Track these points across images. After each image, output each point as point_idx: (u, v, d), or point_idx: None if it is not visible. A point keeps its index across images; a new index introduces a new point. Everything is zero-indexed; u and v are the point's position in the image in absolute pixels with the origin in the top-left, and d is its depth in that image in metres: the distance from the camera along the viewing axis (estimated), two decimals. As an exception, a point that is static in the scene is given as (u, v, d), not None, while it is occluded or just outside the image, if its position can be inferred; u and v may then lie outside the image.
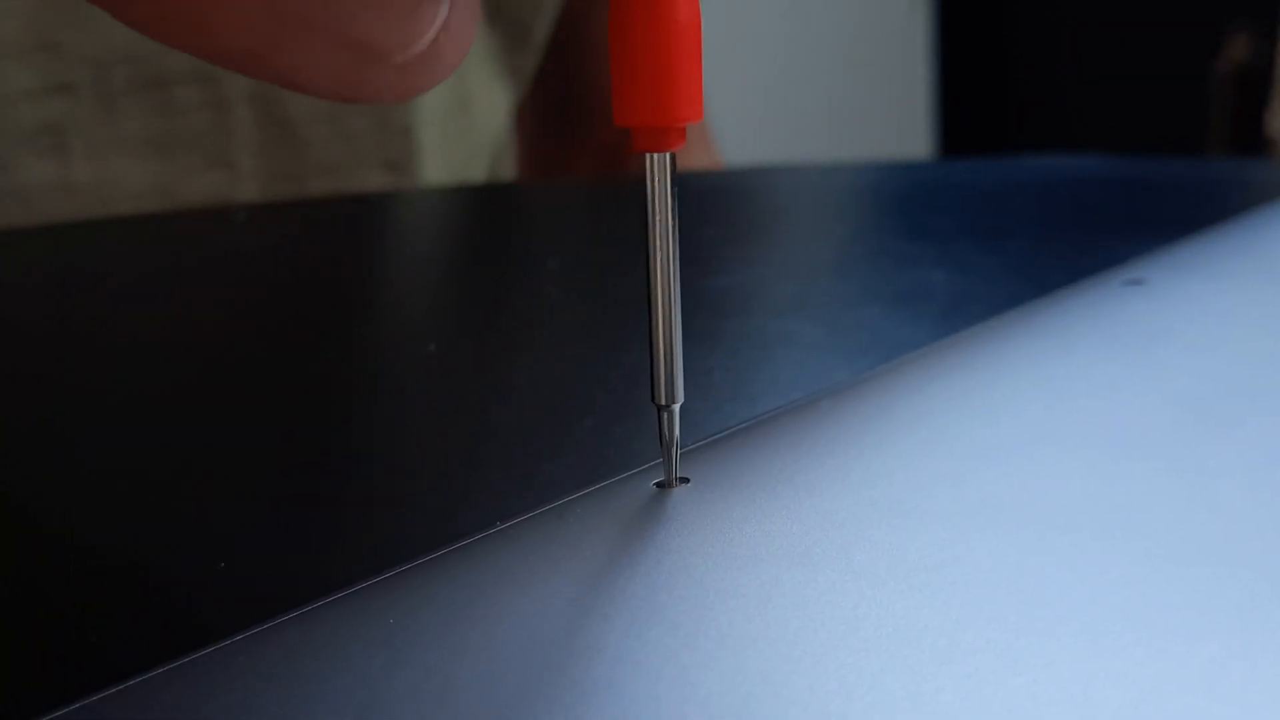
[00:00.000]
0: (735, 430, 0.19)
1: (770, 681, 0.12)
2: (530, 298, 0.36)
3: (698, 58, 0.16)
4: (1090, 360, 0.21)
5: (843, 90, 2.16)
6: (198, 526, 0.22)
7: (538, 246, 0.45)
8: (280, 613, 0.14)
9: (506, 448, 0.25)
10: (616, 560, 0.15)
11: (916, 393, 0.20)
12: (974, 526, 0.15)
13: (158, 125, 0.49)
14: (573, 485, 0.17)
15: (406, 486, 0.23)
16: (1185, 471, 0.16)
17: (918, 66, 2.28)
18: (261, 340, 0.34)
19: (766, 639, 0.13)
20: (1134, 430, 0.18)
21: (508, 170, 0.62)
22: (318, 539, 0.21)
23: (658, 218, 0.16)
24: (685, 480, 0.17)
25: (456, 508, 0.22)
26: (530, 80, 0.60)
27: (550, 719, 0.12)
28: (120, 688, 0.13)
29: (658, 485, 0.17)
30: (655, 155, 0.16)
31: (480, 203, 0.54)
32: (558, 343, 0.32)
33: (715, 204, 0.49)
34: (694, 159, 0.65)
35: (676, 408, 0.17)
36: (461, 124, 0.56)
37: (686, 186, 0.54)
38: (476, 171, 0.58)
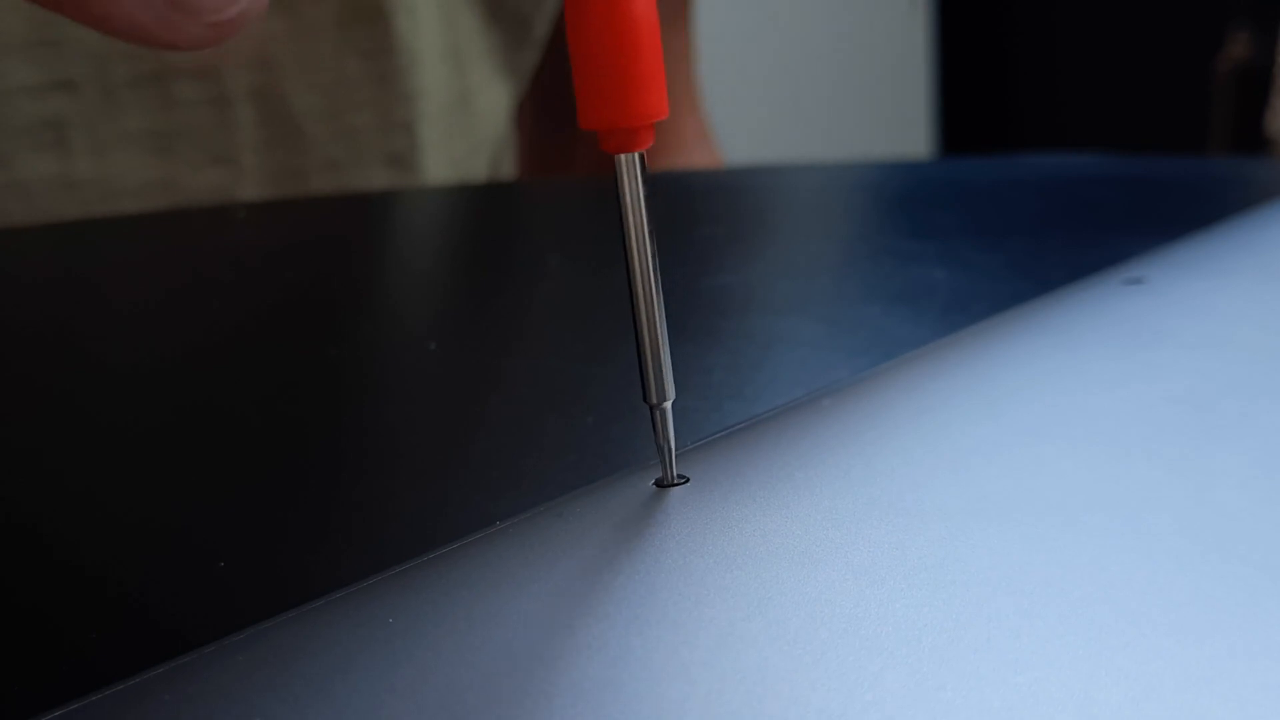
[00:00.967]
0: (735, 429, 0.19)
1: (770, 680, 0.12)
2: (531, 296, 0.36)
3: (658, 54, 0.16)
4: (1090, 358, 0.21)
5: (843, 89, 2.16)
6: (197, 525, 0.22)
7: (539, 244, 0.45)
8: (280, 612, 0.14)
9: (506, 446, 0.25)
10: (616, 559, 0.15)
11: (917, 391, 0.20)
12: (974, 524, 0.15)
13: (159, 121, 0.49)
14: (572, 484, 0.17)
15: (406, 485, 0.23)
16: (1185, 469, 0.16)
17: (918, 65, 2.28)
18: (262, 338, 0.34)
19: (766, 637, 0.13)
20: (1134, 428, 0.18)
21: (509, 167, 0.62)
22: (317, 538, 0.21)
23: (632, 218, 0.16)
24: (684, 479, 0.17)
25: (456, 506, 0.22)
26: (531, 77, 0.60)
27: (550, 717, 0.12)
28: (120, 687, 0.13)
29: (656, 484, 0.17)
30: (624, 155, 0.16)
31: (481, 201, 0.54)
32: (558, 341, 0.32)
33: (716, 203, 0.49)
34: (695, 158, 0.65)
35: (668, 405, 0.17)
36: (463, 120, 0.57)
37: (687, 186, 0.54)
38: (478, 168, 0.58)
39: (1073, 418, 0.18)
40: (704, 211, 0.46)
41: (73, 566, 0.21)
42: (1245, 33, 1.73)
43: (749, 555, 0.15)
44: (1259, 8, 1.70)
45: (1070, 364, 0.21)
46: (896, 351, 0.22)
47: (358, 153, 0.53)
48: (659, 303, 0.16)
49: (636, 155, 0.16)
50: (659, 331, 0.17)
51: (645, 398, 0.17)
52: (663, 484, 0.17)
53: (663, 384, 0.17)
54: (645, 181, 0.16)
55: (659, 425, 0.17)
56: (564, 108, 0.65)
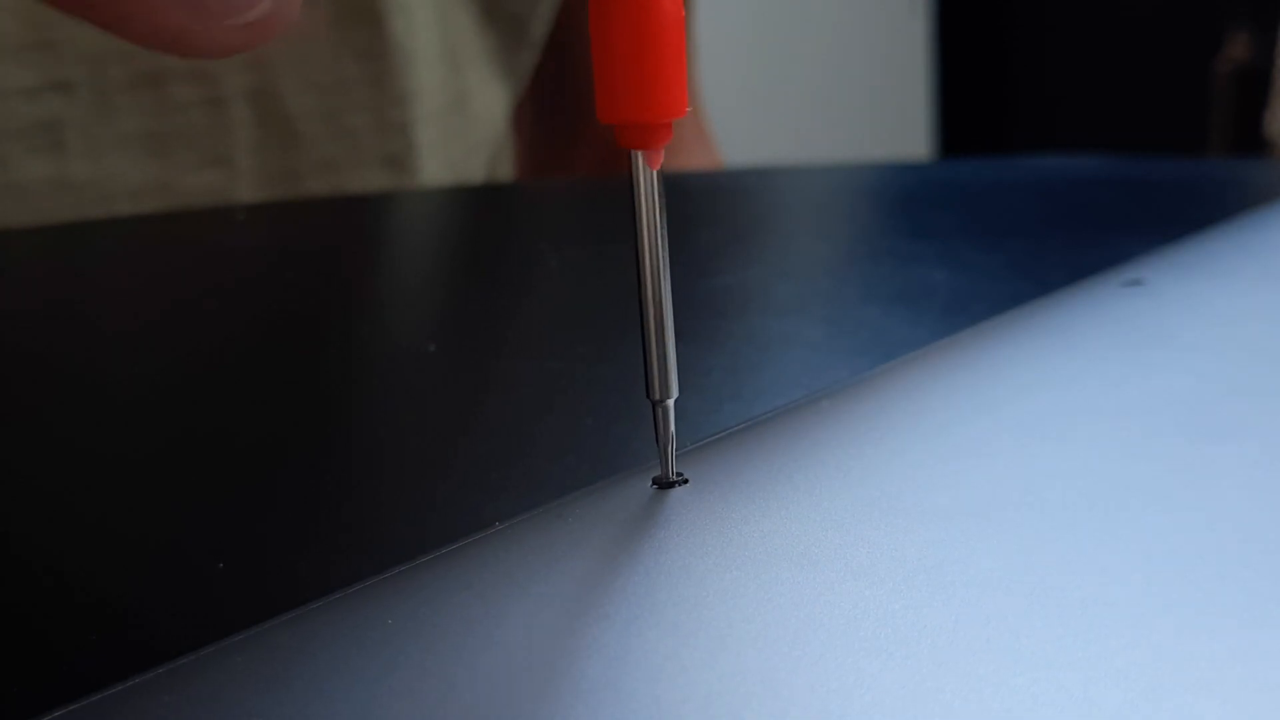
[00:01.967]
0: (734, 430, 0.18)
1: (769, 682, 0.12)
2: (529, 297, 0.36)
3: (682, 51, 0.16)
4: (1089, 360, 0.21)
5: (843, 90, 2.16)
6: (196, 526, 0.22)
7: (537, 245, 0.45)
8: (278, 613, 0.14)
9: (505, 447, 0.25)
10: (615, 560, 0.15)
11: (916, 392, 0.20)
12: (973, 526, 0.15)
13: (155, 123, 0.49)
14: (572, 485, 0.17)
15: (405, 486, 0.23)
16: (1185, 471, 0.16)
17: (918, 67, 2.28)
18: (260, 339, 0.34)
19: (766, 639, 0.13)
20: (1133, 429, 0.18)
21: (507, 169, 0.62)
22: (316, 539, 0.21)
23: (645, 213, 0.16)
24: (683, 478, 0.17)
25: (455, 507, 0.22)
26: (528, 78, 0.60)
27: (549, 719, 0.12)
28: (119, 688, 0.13)
29: (654, 481, 0.17)
30: (640, 152, 0.16)
31: (480, 202, 0.54)
32: (557, 342, 0.32)
33: (715, 204, 0.49)
34: (694, 159, 0.65)
35: (671, 402, 0.17)
36: (459, 121, 0.57)
37: (687, 187, 0.54)
38: (475, 170, 0.58)
39: (1072, 419, 0.18)
40: (703, 213, 0.46)
41: (71, 568, 0.21)
42: (1244, 34, 1.73)
43: (748, 556, 0.15)
44: (1258, 9, 1.70)
45: (1069, 365, 0.21)
46: (896, 352, 0.22)
47: (354, 154, 0.53)
48: (668, 298, 0.16)
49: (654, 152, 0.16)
50: (666, 328, 0.17)
51: (648, 393, 0.17)
52: (661, 482, 0.17)
53: (667, 380, 0.17)
54: (659, 177, 0.16)
55: (660, 422, 0.17)
56: (562, 109, 0.65)
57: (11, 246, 0.45)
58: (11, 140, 0.47)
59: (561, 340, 0.32)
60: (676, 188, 0.50)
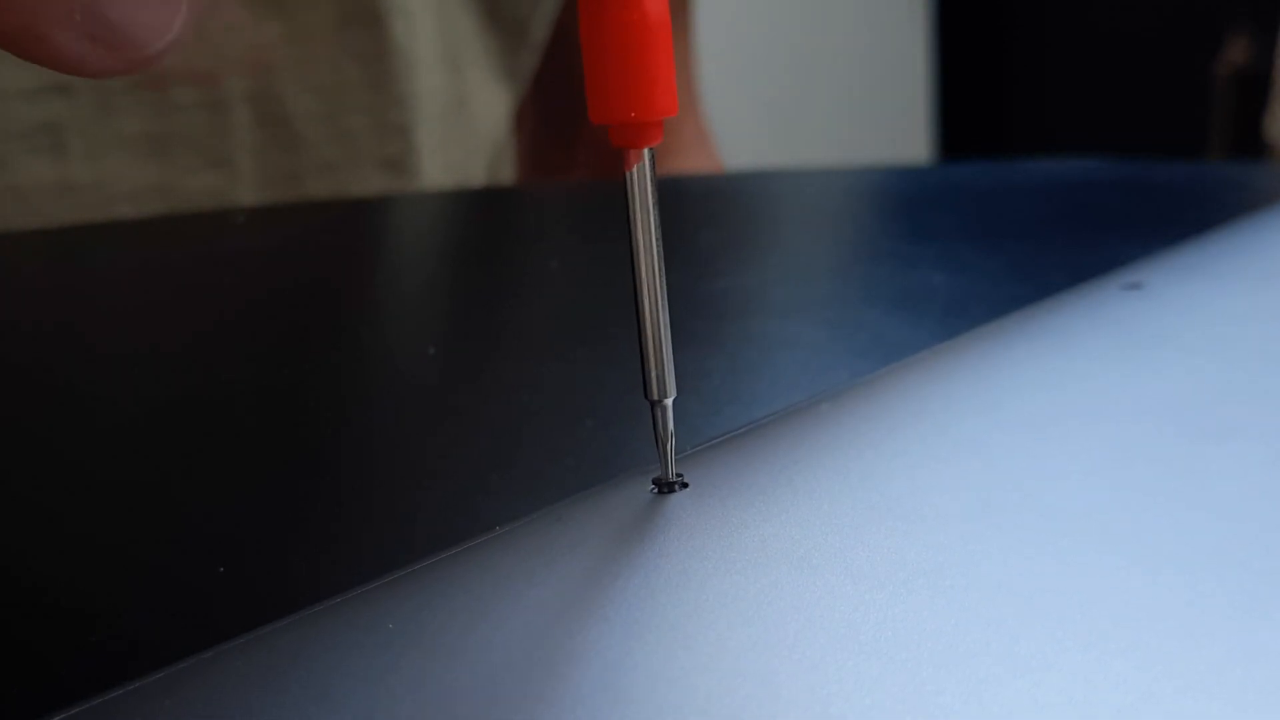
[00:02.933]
0: (734, 433, 0.19)
1: (769, 685, 0.12)
2: (530, 300, 0.36)
3: (669, 50, 0.16)
4: (1089, 363, 0.21)
5: (843, 93, 2.16)
6: (197, 530, 0.22)
7: (537, 248, 0.45)
8: (279, 616, 0.14)
9: (505, 451, 0.25)
10: (615, 563, 0.15)
11: (916, 395, 0.20)
12: (973, 529, 0.15)
13: (155, 125, 0.49)
14: (571, 488, 0.17)
15: (406, 490, 0.23)
16: (1184, 475, 0.16)
17: (917, 70, 2.28)
18: (260, 342, 0.34)
19: (765, 642, 0.13)
20: (1132, 434, 0.18)
21: (507, 171, 0.62)
22: (317, 543, 0.21)
23: (639, 213, 0.16)
24: (682, 480, 0.17)
25: (455, 511, 0.22)
26: (529, 80, 0.60)
27: (549, 723, 0.12)
28: (120, 691, 0.13)
29: (654, 482, 0.17)
30: (634, 151, 0.16)
31: (480, 205, 0.54)
32: (557, 345, 0.32)
33: (716, 207, 0.49)
34: (695, 162, 0.65)
35: (669, 402, 0.17)
36: (459, 124, 0.57)
37: (687, 190, 0.54)
38: (476, 172, 0.58)
39: (1072, 422, 0.18)
40: (704, 215, 0.46)
41: (72, 572, 0.21)
42: (1244, 36, 1.73)
43: (748, 559, 0.15)
44: (1258, 11, 1.70)
45: (1069, 368, 0.21)
46: (896, 355, 0.22)
47: (354, 156, 0.53)
48: (664, 298, 0.17)
49: (645, 151, 0.16)
50: (662, 327, 0.17)
51: (646, 394, 0.17)
52: (661, 482, 0.17)
53: (664, 380, 0.17)
54: (654, 176, 0.16)
55: (659, 422, 0.17)
56: (563, 111, 0.65)
57: (12, 248, 0.45)
58: (12, 142, 0.47)
59: (561, 343, 0.33)
60: (677, 190, 0.50)
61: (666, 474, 0.17)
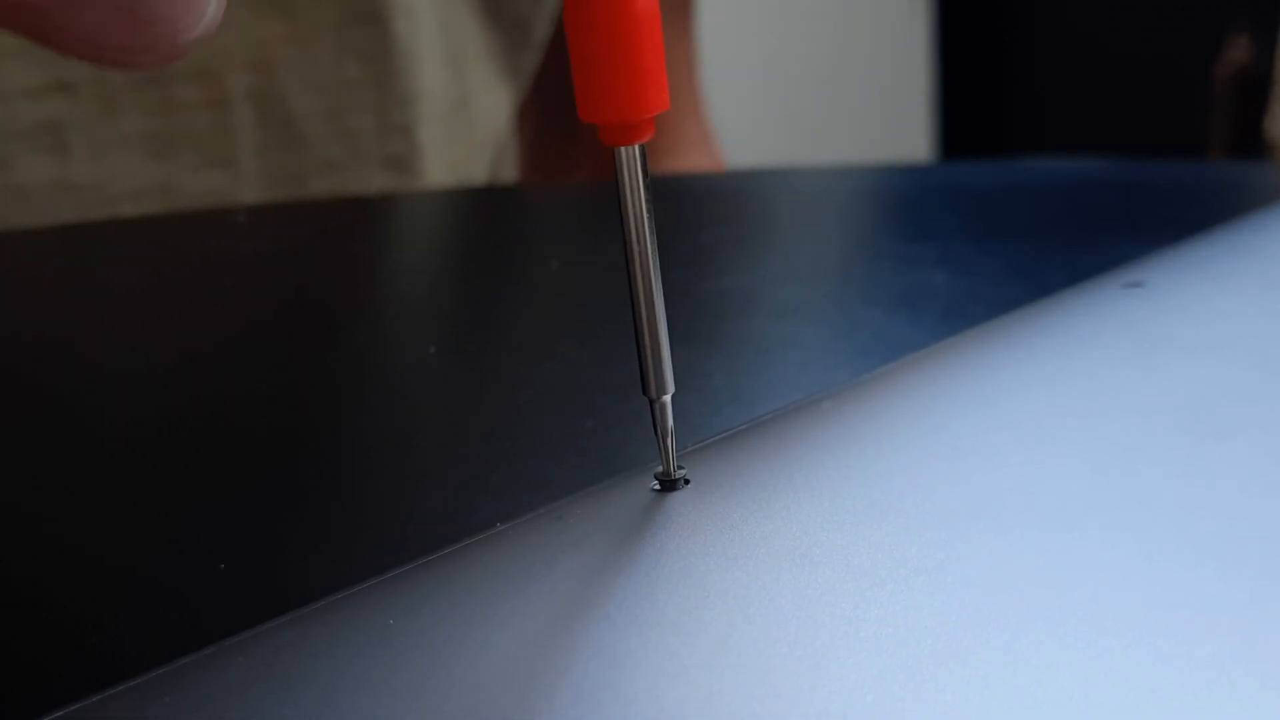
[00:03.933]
0: (735, 432, 0.19)
1: (771, 682, 0.12)
2: (531, 299, 0.36)
3: (659, 45, 0.16)
4: (1090, 362, 0.21)
5: (844, 93, 2.16)
6: (198, 528, 0.22)
7: (539, 248, 0.45)
8: (280, 614, 0.14)
9: (506, 449, 0.25)
10: (616, 561, 0.15)
11: (917, 394, 0.20)
12: (974, 528, 0.15)
13: (157, 124, 0.49)
14: (573, 486, 0.17)
15: (406, 488, 0.24)
16: (1184, 474, 0.16)
17: (918, 69, 2.28)
18: (261, 341, 0.34)
19: (767, 640, 0.13)
20: (1133, 432, 0.18)
21: (509, 170, 0.62)
22: (318, 540, 0.21)
23: (632, 210, 0.16)
24: (685, 477, 0.17)
25: (457, 509, 0.22)
26: (532, 79, 0.60)
27: (550, 719, 0.12)
28: (120, 688, 0.13)
29: (656, 477, 0.17)
30: (624, 148, 0.16)
31: (482, 203, 0.54)
32: (558, 344, 0.32)
33: (717, 206, 0.49)
34: (696, 161, 0.65)
35: (667, 399, 0.17)
36: (462, 123, 0.57)
37: (688, 189, 0.54)
38: (478, 171, 0.58)
39: (1072, 421, 0.18)
40: (705, 215, 0.46)
41: (73, 569, 0.21)
42: (1245, 37, 1.73)
43: (749, 557, 0.15)
44: (1258, 11, 1.70)
45: (1069, 367, 0.21)
46: (896, 354, 0.22)
47: (356, 155, 0.53)
48: (658, 295, 0.16)
49: (637, 147, 0.16)
50: (658, 324, 0.17)
51: (645, 391, 0.17)
52: (662, 478, 0.17)
53: (662, 377, 0.17)
54: (645, 173, 0.16)
55: (658, 419, 0.17)
56: (565, 111, 0.65)
57: (14, 247, 0.45)
58: (14, 141, 0.47)
59: (562, 342, 0.33)
60: (678, 190, 0.50)
61: (668, 471, 0.17)
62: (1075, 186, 0.52)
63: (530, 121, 0.65)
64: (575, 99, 0.16)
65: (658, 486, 0.17)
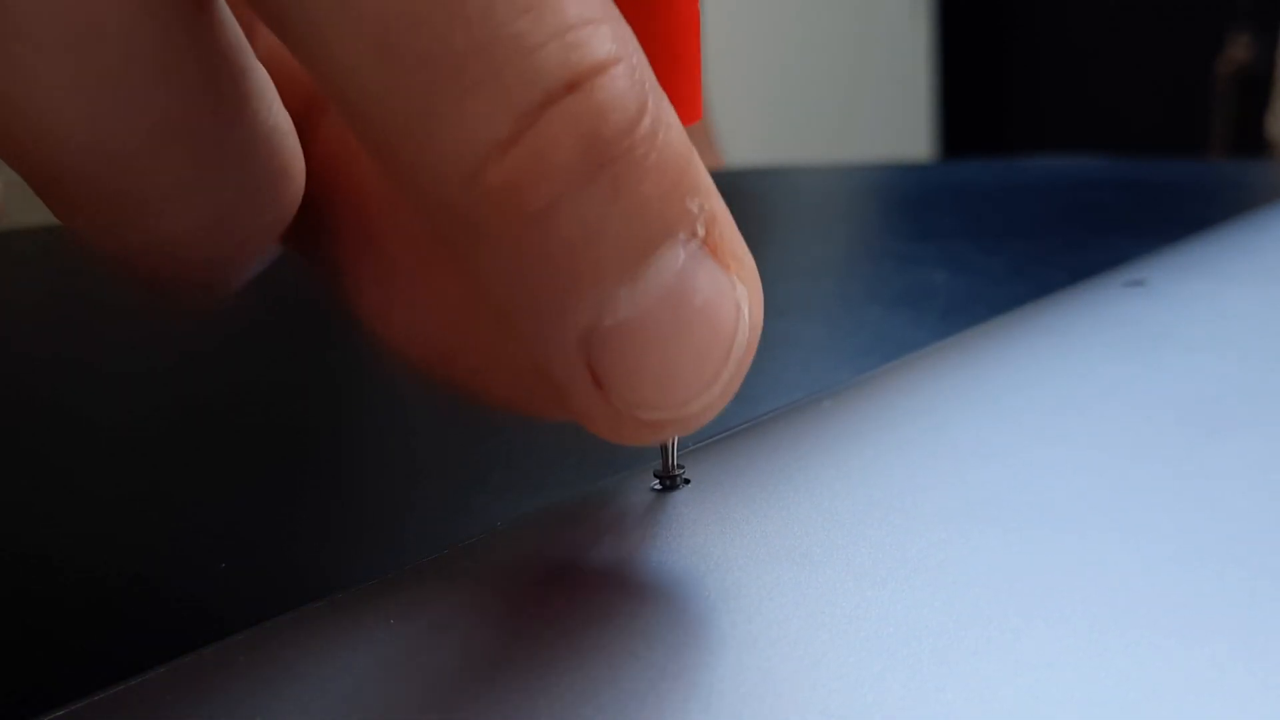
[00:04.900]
0: (736, 430, 0.19)
1: (771, 681, 0.12)
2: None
3: (698, 57, 0.15)
4: (1091, 361, 0.21)
5: (845, 91, 2.17)
6: (197, 527, 0.22)
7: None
8: (280, 613, 0.14)
9: (506, 447, 0.25)
10: (617, 560, 0.15)
11: (918, 392, 0.20)
12: (975, 527, 0.15)
13: None
14: (573, 485, 0.17)
15: (407, 487, 0.23)
16: (1186, 472, 0.16)
17: (919, 68, 2.29)
18: (262, 339, 0.34)
19: (767, 639, 0.13)
20: (1134, 431, 0.18)
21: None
22: (318, 539, 0.21)
23: None
24: (685, 476, 0.17)
25: (457, 508, 0.22)
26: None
27: (550, 719, 0.12)
28: (120, 688, 0.13)
29: (656, 476, 0.17)
30: None
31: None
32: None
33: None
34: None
35: None
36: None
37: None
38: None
39: (1073, 419, 0.18)
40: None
41: (73, 567, 0.21)
42: (1246, 35, 1.73)
43: (749, 556, 0.15)
44: (1259, 10, 1.70)
45: (1071, 366, 0.21)
46: (898, 353, 0.22)
47: None
48: None
49: None
50: None
51: None
52: (662, 476, 0.17)
53: None
54: None
55: None
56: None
57: (15, 246, 0.45)
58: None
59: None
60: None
61: (668, 467, 0.17)
62: (1076, 185, 0.52)
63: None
64: None
65: (658, 486, 0.17)
